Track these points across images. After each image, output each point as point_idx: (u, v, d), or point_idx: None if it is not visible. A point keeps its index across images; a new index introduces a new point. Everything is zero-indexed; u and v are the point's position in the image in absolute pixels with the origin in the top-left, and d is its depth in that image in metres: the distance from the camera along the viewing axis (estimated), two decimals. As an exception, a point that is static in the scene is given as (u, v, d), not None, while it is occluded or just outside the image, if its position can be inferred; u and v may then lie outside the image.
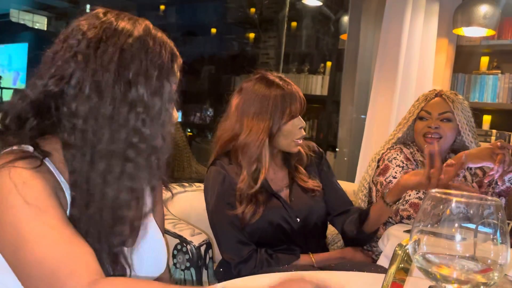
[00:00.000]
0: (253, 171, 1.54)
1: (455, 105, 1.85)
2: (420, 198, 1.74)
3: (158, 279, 1.00)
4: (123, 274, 0.86)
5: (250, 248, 1.52)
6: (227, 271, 1.56)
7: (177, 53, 0.92)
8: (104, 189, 0.81)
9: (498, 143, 1.63)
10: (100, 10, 0.88)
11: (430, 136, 1.85)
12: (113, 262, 0.84)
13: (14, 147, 0.83)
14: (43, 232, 0.75)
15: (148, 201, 1.01)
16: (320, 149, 1.79)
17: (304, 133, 1.60)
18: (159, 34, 0.90)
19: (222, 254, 1.58)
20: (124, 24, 0.86)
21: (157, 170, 0.88)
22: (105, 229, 0.83)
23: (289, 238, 1.58)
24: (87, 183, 0.81)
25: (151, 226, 1.00)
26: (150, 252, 0.97)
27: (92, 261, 0.76)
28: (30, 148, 0.83)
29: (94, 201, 0.82)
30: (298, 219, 1.59)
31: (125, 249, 0.90)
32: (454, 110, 1.85)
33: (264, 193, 1.56)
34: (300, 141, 1.61)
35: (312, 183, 1.66)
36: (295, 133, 1.57)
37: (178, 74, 0.92)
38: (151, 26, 0.90)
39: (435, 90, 1.95)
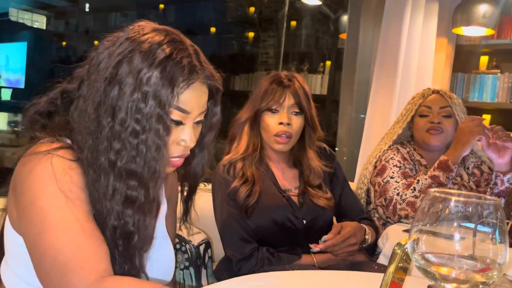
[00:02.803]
0: (234, 147, 1.62)
1: (452, 101, 1.91)
2: (416, 197, 1.75)
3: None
4: (135, 276, 0.87)
5: (252, 246, 1.52)
6: (229, 268, 1.56)
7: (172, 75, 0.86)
8: (106, 202, 0.83)
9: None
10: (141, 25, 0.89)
11: (433, 130, 1.88)
12: (126, 264, 0.86)
13: (53, 138, 0.87)
14: (68, 223, 0.78)
15: (163, 207, 1.02)
16: (332, 152, 1.77)
17: (284, 129, 1.57)
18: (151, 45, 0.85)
19: (225, 250, 1.58)
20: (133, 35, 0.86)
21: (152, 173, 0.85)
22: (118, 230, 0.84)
23: (292, 240, 1.58)
24: (94, 186, 0.83)
25: (162, 234, 1.02)
26: (159, 259, 0.98)
27: (104, 258, 0.78)
28: (68, 141, 0.87)
29: (100, 203, 0.84)
30: (305, 221, 1.59)
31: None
32: (452, 106, 1.89)
33: (266, 186, 1.58)
34: (281, 140, 1.58)
35: (324, 202, 1.63)
36: (273, 127, 1.58)
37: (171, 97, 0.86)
38: (161, 39, 0.87)
39: (429, 88, 2.01)
